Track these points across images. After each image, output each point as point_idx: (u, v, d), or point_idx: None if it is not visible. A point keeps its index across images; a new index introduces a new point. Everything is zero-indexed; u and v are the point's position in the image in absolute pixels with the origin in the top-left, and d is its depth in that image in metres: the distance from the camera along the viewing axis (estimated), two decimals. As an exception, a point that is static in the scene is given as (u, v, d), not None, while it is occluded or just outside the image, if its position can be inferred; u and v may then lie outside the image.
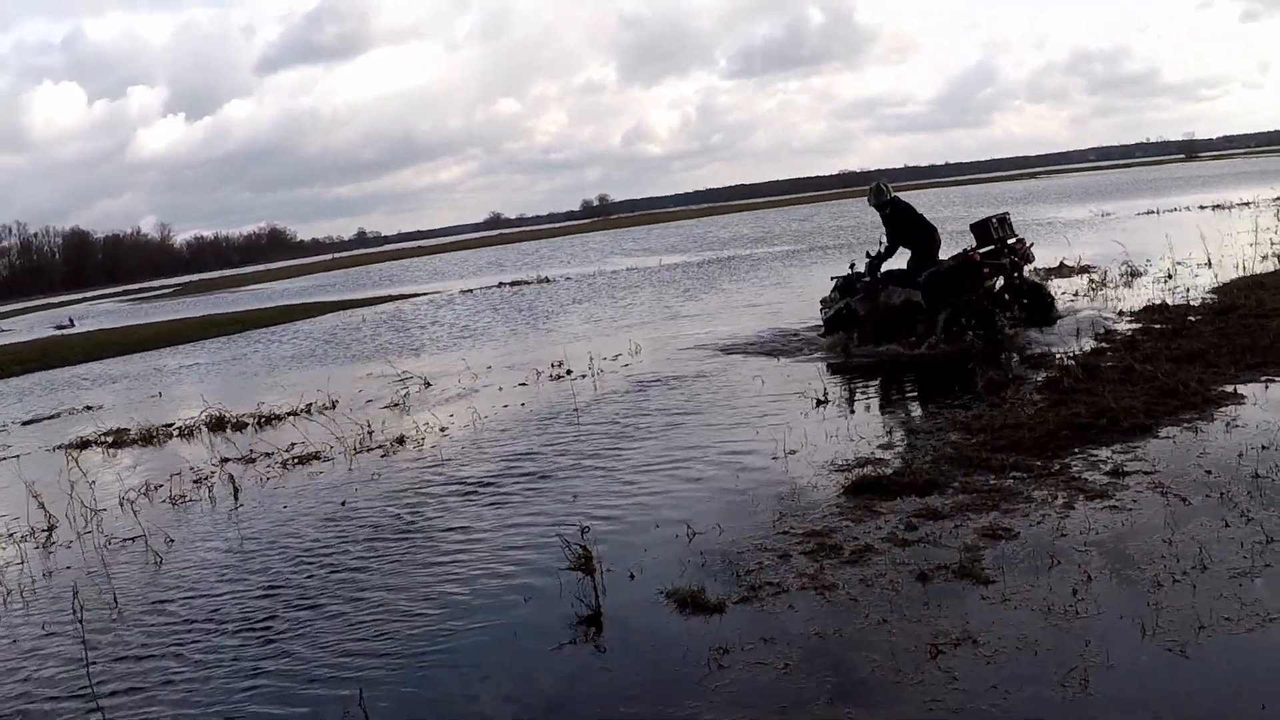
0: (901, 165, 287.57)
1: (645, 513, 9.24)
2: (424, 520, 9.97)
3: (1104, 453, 9.10)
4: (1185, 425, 9.59)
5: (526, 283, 44.98)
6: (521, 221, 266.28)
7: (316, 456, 13.60)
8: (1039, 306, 16.02)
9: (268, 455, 14.12)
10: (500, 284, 46.16)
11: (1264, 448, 8.59)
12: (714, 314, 24.94)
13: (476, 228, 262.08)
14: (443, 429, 14.29)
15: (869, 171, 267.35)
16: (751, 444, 11.10)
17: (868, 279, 16.67)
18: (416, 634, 7.23)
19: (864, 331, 16.49)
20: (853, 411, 12.25)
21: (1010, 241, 16.01)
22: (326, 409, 17.38)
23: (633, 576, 7.66)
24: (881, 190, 16.95)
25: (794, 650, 6.09)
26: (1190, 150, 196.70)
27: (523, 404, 15.54)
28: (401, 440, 13.84)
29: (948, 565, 6.95)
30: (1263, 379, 10.85)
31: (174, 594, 8.85)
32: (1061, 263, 25.06)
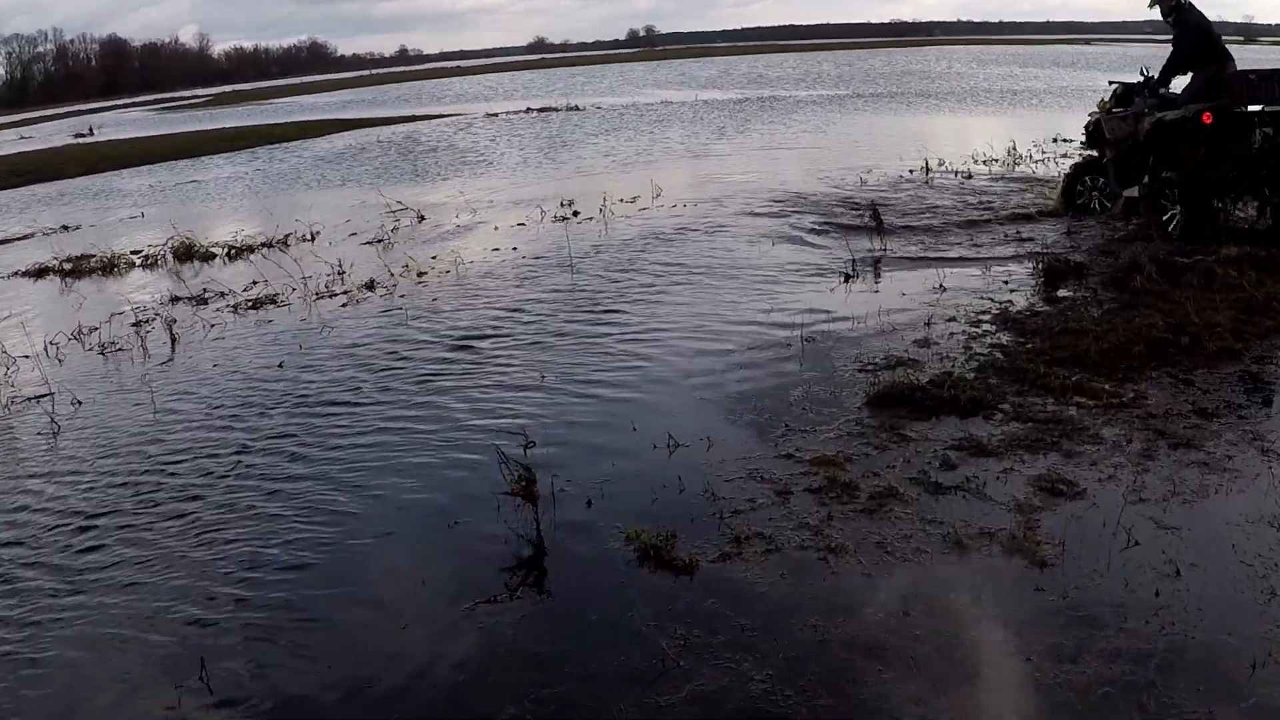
0: (956, 19, 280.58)
1: (624, 406, 7.59)
2: (357, 398, 8.30)
3: (1184, 378, 7.36)
4: (1281, 353, 7.87)
5: (555, 110, 42.89)
6: (566, 48, 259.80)
7: (274, 300, 12.02)
8: None
9: (222, 296, 12.53)
10: (528, 109, 44.15)
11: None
12: (745, 156, 23.07)
13: (519, 51, 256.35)
14: (420, 274, 12.62)
15: (920, 22, 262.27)
16: (764, 323, 9.46)
17: (1150, 93, 12.59)
18: (296, 568, 5.63)
19: (1108, 166, 13.17)
20: (881, 289, 10.49)
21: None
22: (305, 240, 15.90)
23: (590, 504, 6.01)
24: None
25: (779, 654, 4.44)
26: (1249, 33, 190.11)
27: (514, 248, 13.88)
28: (371, 285, 12.22)
29: (993, 533, 5.26)
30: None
31: (45, 481, 7.32)
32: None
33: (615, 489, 6.17)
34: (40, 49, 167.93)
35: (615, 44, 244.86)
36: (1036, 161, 19.80)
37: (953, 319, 9.12)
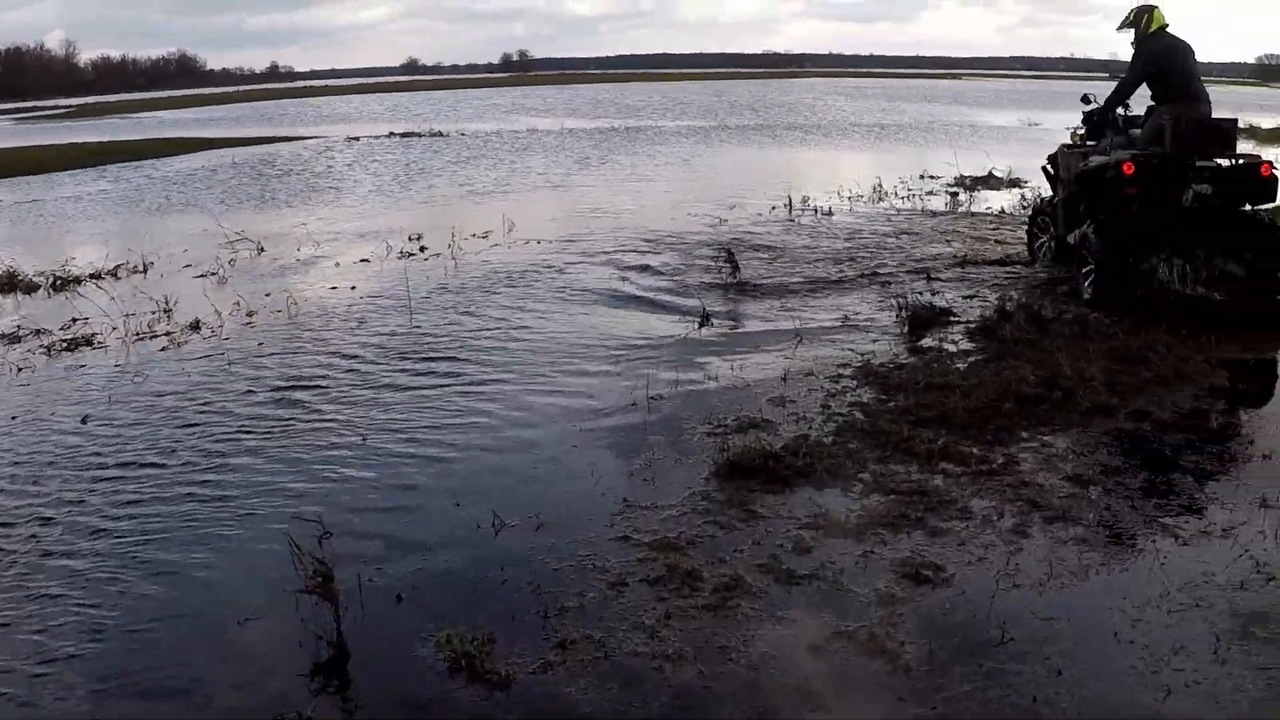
0: (828, 52, 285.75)
1: (449, 475, 6.92)
2: (161, 459, 7.41)
3: (1060, 442, 6.96)
4: (1158, 408, 7.50)
5: (418, 135, 42.04)
6: (439, 70, 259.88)
7: (90, 341, 11.01)
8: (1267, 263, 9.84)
9: (38, 334, 11.47)
10: (391, 134, 43.24)
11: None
12: (607, 188, 22.60)
13: (392, 72, 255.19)
14: (250, 314, 11.78)
15: (793, 54, 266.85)
16: (609, 376, 8.89)
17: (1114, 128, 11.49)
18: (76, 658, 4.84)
19: (1055, 208, 12.16)
20: (735, 340, 9.91)
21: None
22: (137, 272, 14.83)
23: (401, 599, 5.34)
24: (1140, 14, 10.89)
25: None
26: (1113, 70, 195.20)
27: (353, 286, 13.08)
28: (196, 326, 11.26)
29: (851, 633, 4.72)
30: (1248, 355, 8.86)
31: None
32: (990, 173, 22.87)
33: (431, 580, 5.50)
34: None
35: (489, 67, 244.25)
36: (902, 198, 19.65)
37: (810, 373, 8.64)
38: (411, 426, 7.84)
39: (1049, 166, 12.77)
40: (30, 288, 14.20)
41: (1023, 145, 32.33)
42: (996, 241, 14.78)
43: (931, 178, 23.05)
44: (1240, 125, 11.09)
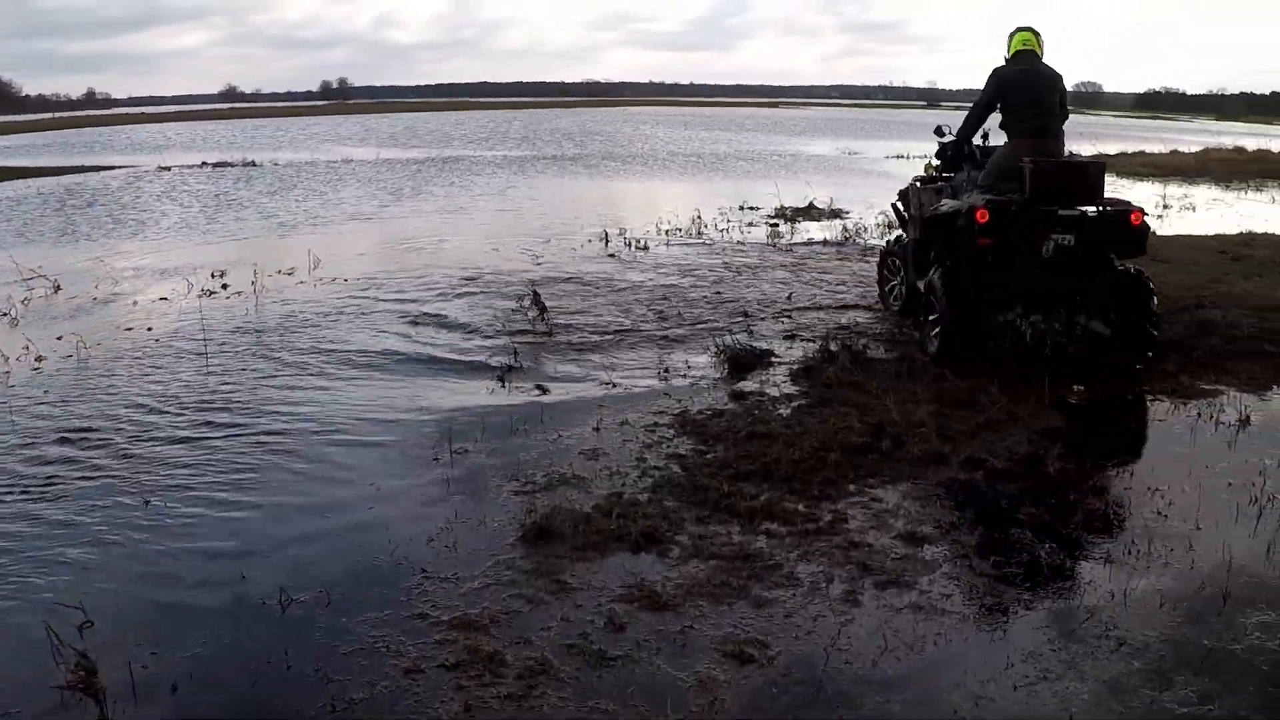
0: (647, 81, 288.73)
1: (232, 543, 6.28)
2: None
3: (890, 495, 6.67)
4: (992, 455, 7.27)
5: (231, 164, 40.71)
6: (257, 97, 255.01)
7: None
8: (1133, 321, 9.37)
9: None
10: (204, 163, 41.79)
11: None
12: (419, 220, 22.00)
13: (211, 99, 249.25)
14: (39, 359, 10.90)
15: (613, 83, 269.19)
16: (409, 424, 8.35)
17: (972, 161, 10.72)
18: None
19: (905, 250, 11.33)
20: (544, 385, 9.40)
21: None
22: None
23: (176, 689, 4.74)
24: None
25: None
26: (931, 99, 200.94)
27: (149, 328, 12.21)
28: None
29: (667, 727, 4.32)
30: (1080, 394, 8.74)
31: None
32: (811, 204, 22.87)
33: (209, 667, 4.90)
34: None
35: (308, 95, 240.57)
36: (720, 230, 19.47)
37: (625, 422, 8.23)
38: (198, 484, 7.18)
39: (899, 204, 12.09)
40: None
41: (842, 175, 32.72)
42: (819, 273, 14.65)
43: (752, 208, 22.96)
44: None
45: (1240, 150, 41.80)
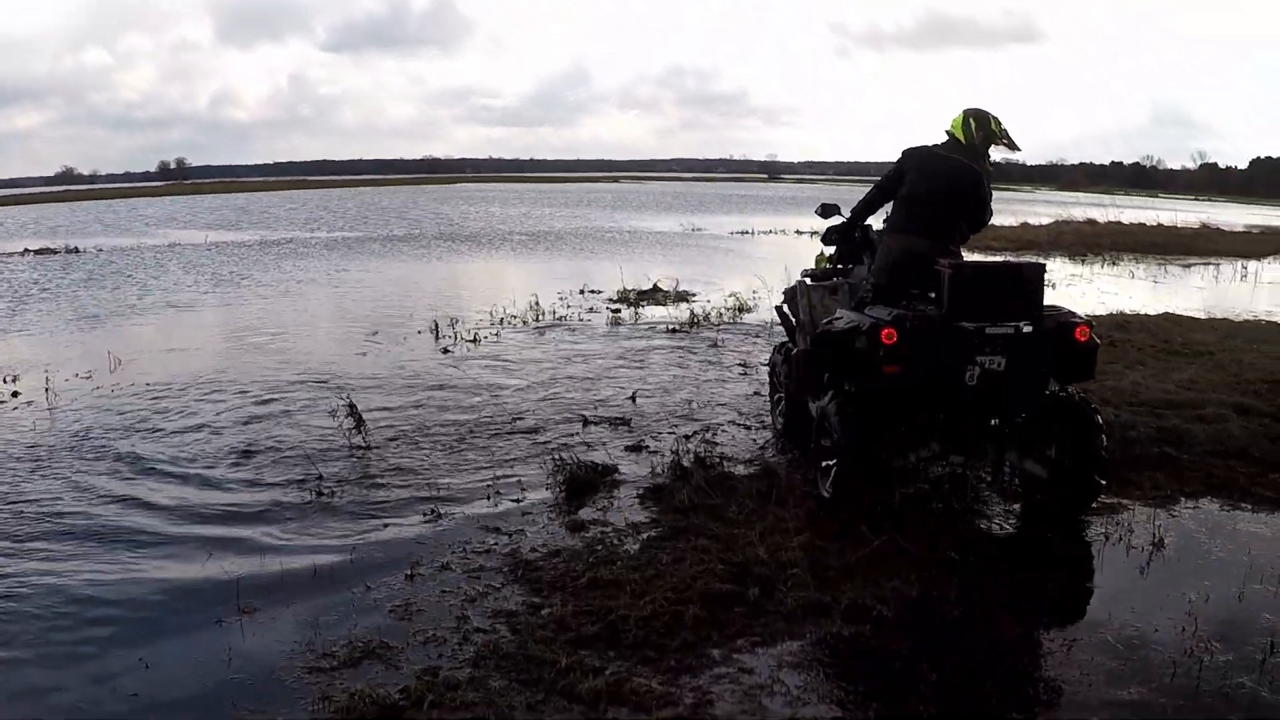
0: (487, 156, 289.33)
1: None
2: None
3: (763, 663, 5.55)
4: (879, 600, 6.22)
5: (54, 251, 38.64)
6: (95, 178, 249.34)
7: None
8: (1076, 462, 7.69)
9: None
10: (25, 250, 39.57)
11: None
12: (239, 310, 20.55)
13: (47, 181, 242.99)
14: None
15: (453, 159, 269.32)
16: (187, 581, 6.95)
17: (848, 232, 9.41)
18: None
19: (794, 361, 9.43)
20: (358, 523, 8.06)
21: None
22: None
23: None
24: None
25: None
26: (772, 171, 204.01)
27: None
28: None
29: None
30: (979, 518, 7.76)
31: None
32: (655, 286, 21.97)
33: None
34: None
35: (146, 175, 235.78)
36: (559, 318, 18.40)
37: (445, 565, 7.01)
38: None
39: (785, 307, 10.26)
40: None
41: (686, 252, 32.03)
42: (666, 367, 13.64)
43: (593, 292, 21.99)
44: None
45: (1092, 222, 42.36)
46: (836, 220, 9.40)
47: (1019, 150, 8.38)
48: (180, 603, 6.62)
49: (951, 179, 8.12)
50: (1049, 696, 5.24)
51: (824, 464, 7.89)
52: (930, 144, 8.31)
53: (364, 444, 10.09)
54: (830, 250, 9.68)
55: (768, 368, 10.98)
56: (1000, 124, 8.17)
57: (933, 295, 7.65)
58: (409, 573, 6.91)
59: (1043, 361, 7.32)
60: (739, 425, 10.55)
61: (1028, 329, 7.17)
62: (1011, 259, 8.54)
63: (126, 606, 6.60)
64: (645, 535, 7.38)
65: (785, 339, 10.52)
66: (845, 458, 7.54)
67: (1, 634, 6.22)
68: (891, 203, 8.49)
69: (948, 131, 8.21)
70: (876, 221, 9.03)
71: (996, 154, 8.29)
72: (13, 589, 6.83)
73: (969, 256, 8.27)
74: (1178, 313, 18.74)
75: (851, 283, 9.03)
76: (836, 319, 8.07)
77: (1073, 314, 7.46)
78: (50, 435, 10.93)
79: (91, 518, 8.21)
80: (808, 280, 9.83)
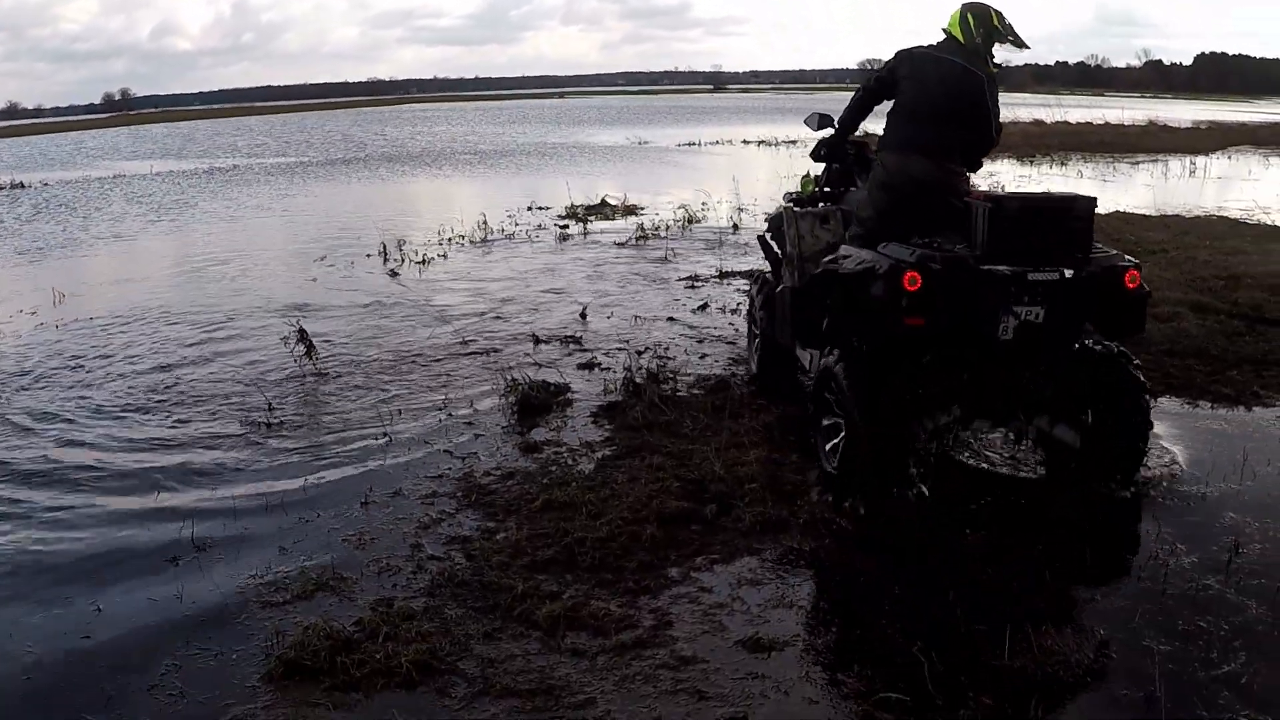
0: (431, 77, 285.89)
1: None
2: None
3: (721, 582, 5.42)
4: (840, 516, 6.12)
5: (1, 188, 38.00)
6: (40, 113, 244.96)
7: None
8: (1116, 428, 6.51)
9: None
10: (-30, 189, 38.94)
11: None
12: (182, 238, 20.28)
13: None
14: None
15: (397, 81, 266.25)
16: (138, 513, 6.76)
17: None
18: None
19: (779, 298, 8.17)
20: (304, 441, 7.97)
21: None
22: None
23: None
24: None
25: None
26: (717, 82, 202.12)
27: None
28: None
29: None
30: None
31: None
32: (603, 200, 21.70)
33: None
34: None
35: (91, 108, 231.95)
36: (507, 235, 18.11)
37: (398, 492, 6.84)
38: None
39: (768, 235, 8.92)
40: None
41: (633, 165, 31.71)
42: (618, 283, 13.45)
43: (541, 208, 21.70)
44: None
45: (1039, 123, 42.24)
46: (829, 133, 8.15)
47: (1026, 48, 7.21)
48: (131, 539, 6.43)
49: (951, 85, 6.87)
50: (1014, 608, 5.15)
51: (827, 436, 6.75)
52: (924, 45, 7.05)
53: (315, 370, 9.88)
54: (820, 170, 8.62)
55: (746, 302, 9.90)
56: (1003, 18, 6.95)
57: (937, 229, 6.57)
58: (363, 500, 6.74)
59: (1086, 312, 6.22)
60: (691, 339, 10.39)
61: (1070, 274, 6.02)
62: (1058, 191, 6.52)
63: (78, 545, 6.42)
64: (599, 455, 7.24)
65: (765, 271, 9.21)
66: (857, 429, 6.32)
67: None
68: (886, 117, 7.18)
69: (945, 30, 6.99)
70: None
71: (1001, 53, 7.09)
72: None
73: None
74: (1128, 211, 18.72)
75: (845, 209, 7.84)
76: (844, 257, 6.81)
77: (1121, 256, 6.30)
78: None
79: (37, 458, 7.97)
80: (794, 206, 8.34)
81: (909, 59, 6.97)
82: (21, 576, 5.99)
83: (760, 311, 8.71)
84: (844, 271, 6.63)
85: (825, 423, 6.74)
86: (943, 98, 6.83)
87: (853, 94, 7.60)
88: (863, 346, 6.50)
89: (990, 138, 7.08)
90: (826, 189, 8.47)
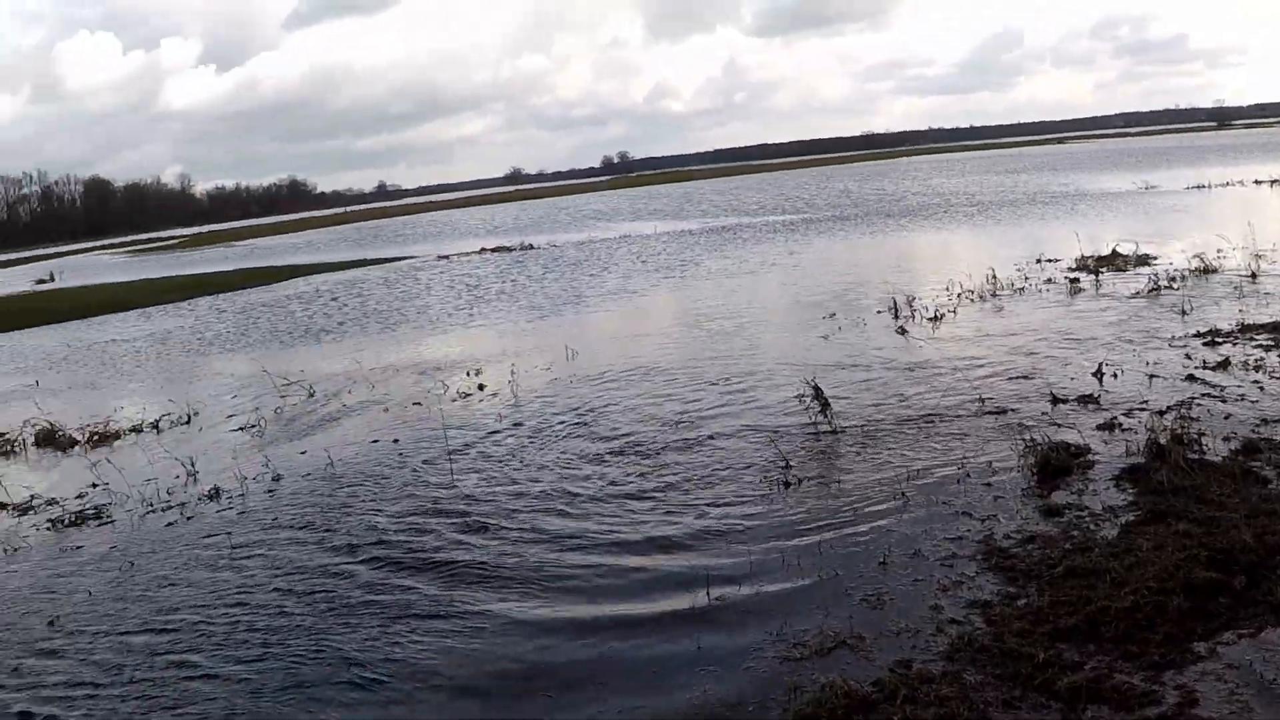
0: (926, 128, 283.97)
1: None
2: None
3: (1252, 659, 5.13)
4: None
5: (509, 249, 41.19)
6: (541, 177, 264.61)
7: (100, 514, 10.18)
8: None
9: (51, 504, 10.79)
10: (482, 250, 42.57)
11: None
12: (686, 295, 21.37)
13: (497, 182, 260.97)
14: (276, 478, 10.61)
15: (891, 133, 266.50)
16: (654, 574, 7.25)
17: None
18: None
19: None
20: (832, 495, 8.21)
21: None
22: (181, 424, 14.08)
23: None
24: None
25: None
26: (1221, 118, 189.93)
27: (395, 440, 11.77)
28: (215, 494, 10.33)
29: None
30: None
31: None
32: (1114, 251, 20.84)
33: None
34: (26, 190, 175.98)
35: (590, 171, 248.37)
36: (1017, 289, 17.79)
37: (917, 552, 6.96)
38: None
39: None
40: (68, 444, 13.68)
41: (1142, 212, 30.46)
42: (1140, 337, 12.94)
43: (1049, 261, 21.10)
44: None
45: None
46: None
47: None
48: (652, 589, 6.94)
49: None
50: None
51: None
52: None
53: (830, 427, 10.11)
54: None
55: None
56: None
57: None
58: (881, 560, 6.87)
59: None
60: (1215, 399, 9.81)
61: None
62: None
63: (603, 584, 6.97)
64: (1123, 519, 7.02)
65: None
66: None
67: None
68: None
69: None
70: None
71: None
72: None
73: None
74: None
75: None
76: None
77: None
78: (503, 423, 11.98)
79: (571, 494, 9.00)
80: None
81: None
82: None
83: None
84: None
85: None
86: None
87: None
88: None
89: None
90: None
